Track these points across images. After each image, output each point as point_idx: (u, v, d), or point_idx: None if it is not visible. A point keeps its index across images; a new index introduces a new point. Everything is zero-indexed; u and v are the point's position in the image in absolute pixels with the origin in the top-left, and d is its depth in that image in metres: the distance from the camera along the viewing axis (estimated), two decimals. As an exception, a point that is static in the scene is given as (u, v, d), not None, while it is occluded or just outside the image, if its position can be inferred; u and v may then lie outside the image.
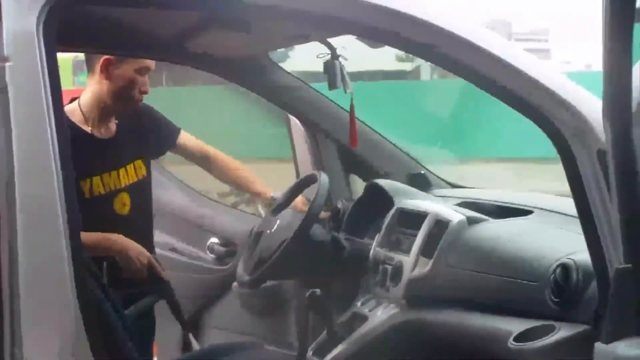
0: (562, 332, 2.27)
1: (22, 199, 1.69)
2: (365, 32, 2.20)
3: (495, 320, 2.51)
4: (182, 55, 3.15)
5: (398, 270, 2.87)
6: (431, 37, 2.07)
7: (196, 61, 3.28)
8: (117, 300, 2.34)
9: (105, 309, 2.07)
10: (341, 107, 3.39)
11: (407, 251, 2.89)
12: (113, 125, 3.23)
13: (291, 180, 3.44)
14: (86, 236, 2.99)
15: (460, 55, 2.09)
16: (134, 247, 3.03)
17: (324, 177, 3.09)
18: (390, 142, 3.60)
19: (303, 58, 4.45)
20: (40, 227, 1.72)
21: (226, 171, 3.54)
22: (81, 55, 3.68)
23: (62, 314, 1.72)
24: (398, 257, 2.91)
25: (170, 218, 3.90)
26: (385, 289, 2.93)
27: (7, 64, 1.72)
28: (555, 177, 2.47)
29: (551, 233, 2.64)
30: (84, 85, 3.33)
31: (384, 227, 3.10)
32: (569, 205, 2.26)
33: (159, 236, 3.57)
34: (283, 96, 3.51)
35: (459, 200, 3.14)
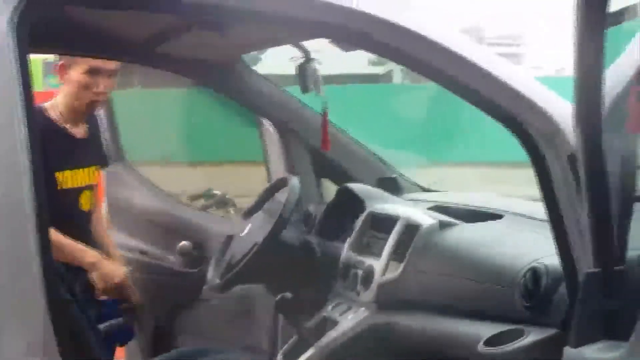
0: (532, 336, 2.27)
1: None
2: (338, 35, 2.20)
3: (466, 325, 2.51)
4: (154, 57, 3.13)
5: (369, 274, 2.87)
6: (403, 41, 2.07)
7: (168, 64, 3.27)
8: (85, 301, 2.34)
9: (74, 310, 2.06)
10: (314, 111, 3.39)
11: (378, 255, 2.88)
12: (85, 126, 3.40)
13: (263, 184, 3.43)
14: (65, 241, 3.09)
15: (431, 58, 2.09)
16: (105, 266, 3.22)
17: (294, 181, 3.08)
18: (362, 146, 3.59)
19: (276, 61, 4.44)
20: (9, 227, 1.70)
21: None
22: (51, 57, 3.74)
23: (30, 313, 1.70)
24: (369, 261, 2.91)
25: (140, 221, 3.88)
26: (356, 293, 2.92)
27: None
28: (526, 181, 2.48)
29: (522, 237, 2.64)
30: (53, 87, 3.39)
31: (355, 231, 3.09)
32: (539, 209, 2.27)
33: (128, 239, 3.55)
34: (255, 99, 3.50)
35: (430, 204, 3.13)
